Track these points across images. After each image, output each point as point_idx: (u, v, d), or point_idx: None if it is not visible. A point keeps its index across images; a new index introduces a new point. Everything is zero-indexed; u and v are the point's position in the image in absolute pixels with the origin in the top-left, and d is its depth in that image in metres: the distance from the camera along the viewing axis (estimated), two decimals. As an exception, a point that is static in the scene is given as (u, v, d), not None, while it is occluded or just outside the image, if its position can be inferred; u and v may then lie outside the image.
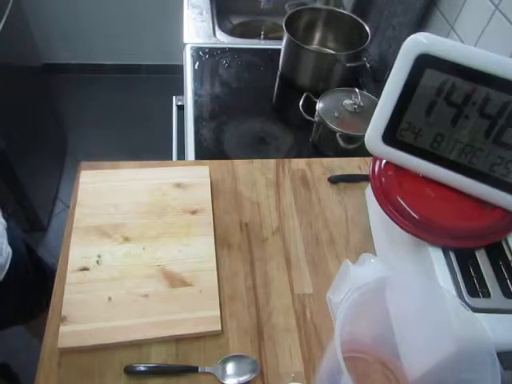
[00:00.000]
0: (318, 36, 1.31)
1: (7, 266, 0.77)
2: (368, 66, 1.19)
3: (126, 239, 0.71)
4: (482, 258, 0.58)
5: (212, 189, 0.80)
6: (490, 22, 0.82)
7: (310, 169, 0.88)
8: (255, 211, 0.80)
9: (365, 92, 1.05)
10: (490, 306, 0.53)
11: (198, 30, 1.33)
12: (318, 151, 1.02)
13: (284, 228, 0.77)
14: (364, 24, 1.15)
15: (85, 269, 0.67)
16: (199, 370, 0.59)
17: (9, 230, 0.81)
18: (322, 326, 0.66)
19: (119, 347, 0.60)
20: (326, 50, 1.30)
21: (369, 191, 0.82)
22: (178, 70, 1.35)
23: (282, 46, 1.17)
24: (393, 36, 1.14)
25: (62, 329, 0.60)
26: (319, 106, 0.99)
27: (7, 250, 0.78)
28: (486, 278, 0.56)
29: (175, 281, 0.67)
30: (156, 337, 0.61)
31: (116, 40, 2.28)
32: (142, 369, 0.59)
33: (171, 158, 1.13)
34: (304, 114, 1.03)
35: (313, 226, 0.78)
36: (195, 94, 1.13)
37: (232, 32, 1.48)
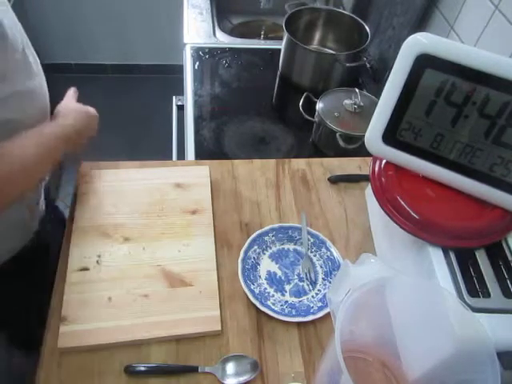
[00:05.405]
0: (317, 36, 1.31)
1: None
2: (368, 65, 1.19)
3: (126, 239, 0.71)
4: (481, 257, 0.58)
5: (212, 189, 0.80)
6: (490, 21, 0.82)
7: (310, 169, 0.88)
8: (255, 211, 0.79)
9: (365, 92, 1.05)
10: (489, 305, 0.53)
11: (198, 29, 1.33)
12: (317, 151, 1.02)
13: (284, 228, 0.77)
14: (364, 24, 1.15)
15: (85, 269, 0.67)
16: (199, 369, 0.59)
17: None
18: (322, 326, 0.66)
19: (119, 347, 0.60)
20: (326, 49, 1.30)
21: (369, 191, 0.82)
22: (178, 69, 1.34)
23: (282, 46, 1.17)
24: (393, 36, 1.14)
25: (62, 329, 0.60)
26: (319, 105, 0.99)
27: None
28: (485, 278, 0.56)
29: (175, 281, 0.67)
30: (156, 337, 0.61)
31: (116, 40, 2.28)
32: (142, 369, 0.59)
33: (171, 158, 1.13)
34: (304, 114, 1.03)
35: (313, 226, 0.78)
36: (195, 94, 1.12)
37: (232, 32, 1.48)
